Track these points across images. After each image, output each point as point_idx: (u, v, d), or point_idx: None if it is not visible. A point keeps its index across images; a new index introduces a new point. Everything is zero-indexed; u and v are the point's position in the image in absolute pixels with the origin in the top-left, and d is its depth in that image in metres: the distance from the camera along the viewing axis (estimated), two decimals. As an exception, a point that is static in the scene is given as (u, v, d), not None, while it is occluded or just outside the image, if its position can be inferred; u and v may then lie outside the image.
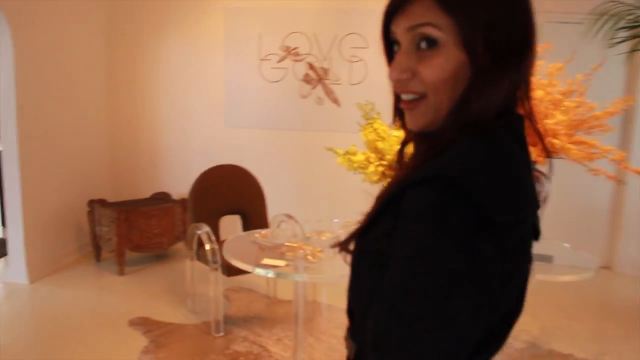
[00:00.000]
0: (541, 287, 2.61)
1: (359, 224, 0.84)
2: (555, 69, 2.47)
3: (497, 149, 0.75)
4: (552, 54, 2.57)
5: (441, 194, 0.70)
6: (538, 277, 2.44)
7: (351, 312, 0.90)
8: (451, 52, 0.78)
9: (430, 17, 0.78)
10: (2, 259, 4.56)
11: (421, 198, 0.71)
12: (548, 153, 0.95)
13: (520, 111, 0.85)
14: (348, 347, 0.90)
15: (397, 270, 0.71)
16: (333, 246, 0.92)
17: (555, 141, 2.30)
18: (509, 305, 0.80)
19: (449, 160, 0.73)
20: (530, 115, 0.85)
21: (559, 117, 2.37)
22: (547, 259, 2.89)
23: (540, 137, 0.87)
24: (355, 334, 0.88)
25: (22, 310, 3.82)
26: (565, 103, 2.42)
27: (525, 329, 3.67)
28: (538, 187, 0.82)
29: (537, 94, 2.34)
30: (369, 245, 0.82)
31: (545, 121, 2.32)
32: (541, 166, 2.47)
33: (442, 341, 0.69)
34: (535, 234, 0.83)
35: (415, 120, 0.84)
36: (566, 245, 3.12)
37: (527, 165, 0.79)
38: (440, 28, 0.78)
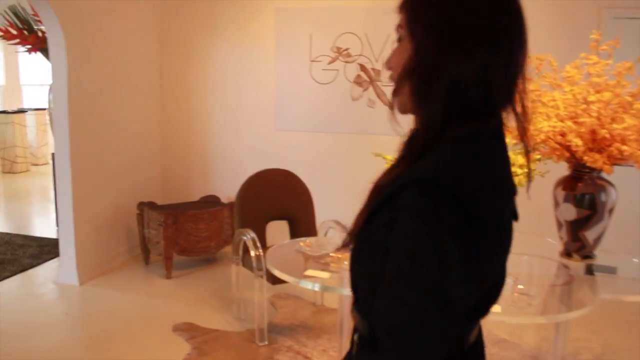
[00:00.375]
0: (604, 302, 2.40)
1: (359, 218, 0.95)
2: (624, 68, 2.26)
3: (480, 150, 0.87)
4: (621, 52, 2.36)
5: (433, 195, 0.81)
6: (605, 297, 2.24)
7: (355, 289, 1.02)
8: (406, 43, 0.92)
9: (399, 20, 0.95)
10: (55, 260, 4.63)
11: (415, 198, 0.82)
12: (527, 147, 1.00)
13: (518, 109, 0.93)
14: (354, 318, 1.03)
15: (399, 262, 0.82)
16: (339, 249, 1.10)
17: (624, 148, 2.10)
18: (493, 279, 0.93)
19: (437, 163, 0.85)
20: (524, 113, 0.93)
21: (629, 121, 2.16)
22: (610, 270, 2.68)
23: (525, 133, 0.95)
24: (359, 307, 1.00)
25: (70, 311, 3.84)
26: (636, 106, 2.21)
27: (586, 347, 3.44)
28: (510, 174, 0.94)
29: (604, 96, 2.14)
30: (370, 236, 0.92)
31: (614, 125, 2.12)
32: (607, 174, 2.26)
33: (442, 319, 0.81)
34: (514, 216, 0.96)
35: (395, 104, 0.97)
36: (635, 260, 2.88)
37: (505, 159, 0.91)
38: (402, 26, 0.94)
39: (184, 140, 5.23)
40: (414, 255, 0.81)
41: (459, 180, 0.82)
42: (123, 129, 4.67)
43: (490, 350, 3.38)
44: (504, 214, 0.88)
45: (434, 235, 0.80)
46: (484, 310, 0.97)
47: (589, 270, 2.58)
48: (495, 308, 2.01)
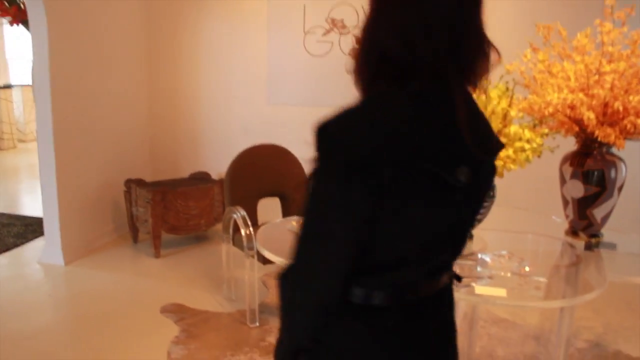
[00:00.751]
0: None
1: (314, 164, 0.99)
2: (640, 36, 2.11)
3: (378, 107, 0.93)
4: (636, 19, 2.21)
5: (323, 141, 0.91)
6: (614, 279, 2.12)
7: None
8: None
9: None
10: (40, 239, 4.48)
11: (315, 145, 0.92)
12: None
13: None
14: None
15: (305, 201, 0.95)
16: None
17: (639, 121, 1.96)
18: (418, 238, 0.98)
19: (337, 114, 0.92)
20: (471, 75, 0.97)
21: (644, 93, 2.02)
22: (610, 246, 2.55)
23: (453, 91, 0.97)
24: None
25: (55, 293, 3.71)
26: (651, 76, 2.07)
27: (587, 326, 3.34)
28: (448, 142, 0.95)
29: (620, 66, 2.00)
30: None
31: (630, 97, 1.98)
32: (618, 149, 2.12)
33: (325, 253, 0.95)
34: (443, 183, 0.94)
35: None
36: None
37: (417, 118, 0.92)
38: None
39: (173, 115, 5.06)
40: (310, 195, 0.94)
41: (343, 132, 0.90)
42: (109, 103, 4.49)
43: (489, 330, 3.29)
44: (406, 174, 0.91)
45: (320, 178, 0.92)
46: (414, 268, 1.02)
47: (589, 247, 2.46)
48: (500, 292, 1.90)
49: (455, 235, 1.07)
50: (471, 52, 0.95)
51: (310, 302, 1.01)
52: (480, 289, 1.89)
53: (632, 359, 3.01)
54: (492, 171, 1.10)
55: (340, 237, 0.94)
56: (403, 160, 0.90)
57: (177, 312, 3.34)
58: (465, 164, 0.96)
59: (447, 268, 1.13)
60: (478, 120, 1.03)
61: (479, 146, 0.98)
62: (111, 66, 4.50)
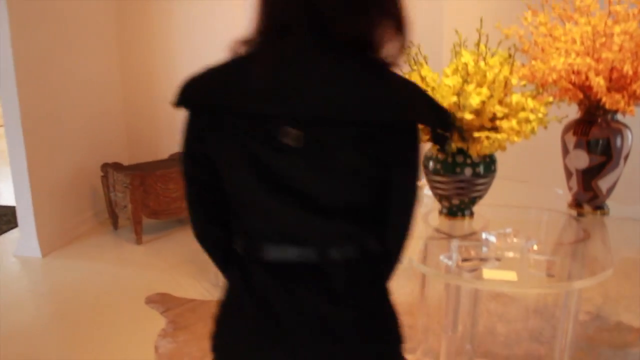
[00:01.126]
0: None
1: None
2: (648, -7, 1.96)
3: (214, 66, 1.09)
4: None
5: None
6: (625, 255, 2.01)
7: None
8: None
9: None
10: (15, 230, 4.28)
11: None
12: None
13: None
14: None
15: None
16: None
17: (650, 86, 1.83)
18: (243, 190, 1.04)
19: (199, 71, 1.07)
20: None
21: (653, 55, 1.88)
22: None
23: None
24: None
25: (34, 287, 3.53)
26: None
27: (586, 297, 3.25)
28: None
29: (631, 26, 1.85)
30: None
31: (644, 60, 1.84)
32: (624, 115, 1.99)
33: (185, 189, 1.15)
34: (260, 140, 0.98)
35: None
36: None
37: (239, 72, 1.05)
38: None
39: (149, 93, 4.84)
40: None
41: (188, 82, 1.07)
42: (79, 86, 4.26)
43: (488, 305, 3.18)
44: (218, 120, 1.02)
45: None
46: (255, 223, 1.06)
47: (580, 214, 2.35)
48: (511, 275, 1.78)
49: (307, 204, 1.01)
50: (326, 16, 0.98)
51: (194, 233, 1.22)
52: (488, 272, 1.76)
53: (634, 330, 2.93)
54: (360, 140, 0.98)
55: (186, 174, 1.12)
56: (214, 111, 1.02)
57: (162, 302, 3.19)
58: (297, 126, 0.96)
59: (320, 243, 1.05)
60: (315, 84, 0.97)
61: (292, 109, 0.96)
62: (79, 47, 4.26)
